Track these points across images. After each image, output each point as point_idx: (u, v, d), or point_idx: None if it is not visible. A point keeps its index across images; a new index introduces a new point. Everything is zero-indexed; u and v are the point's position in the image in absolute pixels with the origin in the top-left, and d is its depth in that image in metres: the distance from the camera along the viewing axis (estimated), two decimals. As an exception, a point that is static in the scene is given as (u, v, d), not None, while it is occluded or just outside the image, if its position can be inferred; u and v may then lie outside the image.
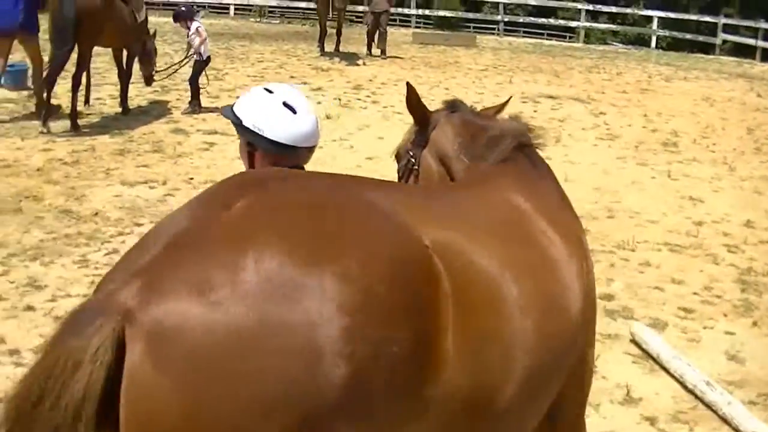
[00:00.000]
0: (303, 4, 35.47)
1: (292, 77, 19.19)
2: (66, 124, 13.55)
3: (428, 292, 2.67)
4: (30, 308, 7.27)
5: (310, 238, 2.52)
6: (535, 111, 17.41)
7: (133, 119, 14.48)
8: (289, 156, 3.97)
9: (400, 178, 4.60)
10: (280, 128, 3.91)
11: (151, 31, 15.84)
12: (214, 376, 2.27)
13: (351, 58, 22.41)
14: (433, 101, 14.26)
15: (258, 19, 34.99)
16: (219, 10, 36.59)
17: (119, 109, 14.89)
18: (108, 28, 13.82)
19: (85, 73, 14.13)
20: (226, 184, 2.82)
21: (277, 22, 35.17)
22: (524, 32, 42.96)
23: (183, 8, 16.29)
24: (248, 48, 23.94)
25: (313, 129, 4.03)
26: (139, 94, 16.14)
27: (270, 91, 4.00)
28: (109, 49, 15.54)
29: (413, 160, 4.48)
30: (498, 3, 38.59)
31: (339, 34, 23.58)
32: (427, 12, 41.93)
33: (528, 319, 3.08)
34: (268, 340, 2.30)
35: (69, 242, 8.83)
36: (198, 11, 16.09)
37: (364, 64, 22.05)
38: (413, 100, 4.55)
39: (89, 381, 2.29)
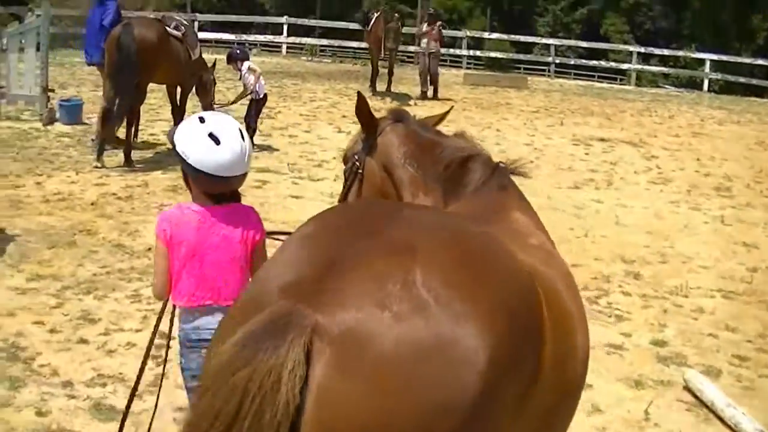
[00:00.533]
0: (355, 44, 35.72)
1: (344, 116, 19.32)
2: (120, 159, 13.70)
3: (541, 314, 2.98)
4: (83, 341, 7.34)
5: (459, 264, 2.78)
6: (586, 154, 17.39)
7: (187, 156, 14.51)
8: (215, 182, 4.35)
9: (345, 180, 4.98)
10: (202, 157, 4.26)
11: (210, 63, 16.03)
12: (399, 382, 2.47)
13: (402, 98, 22.52)
14: (484, 143, 14.32)
15: (310, 58, 35.28)
16: (271, 49, 36.96)
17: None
18: (163, 65, 13.99)
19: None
20: (351, 214, 3.17)
21: (329, 61, 35.45)
22: (575, 74, 42.99)
23: (237, 50, 16.44)
24: (300, 86, 24.16)
25: (236, 159, 4.32)
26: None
27: (202, 121, 4.36)
28: (163, 86, 15.74)
29: (358, 164, 4.85)
30: (549, 45, 38.69)
31: (391, 73, 23.68)
32: (478, 53, 42.02)
33: (579, 334, 3.45)
34: (441, 352, 2.53)
35: (122, 277, 8.90)
36: (250, 49, 16.22)
37: (416, 104, 22.14)
38: (363, 109, 4.82)
39: (289, 396, 2.43)
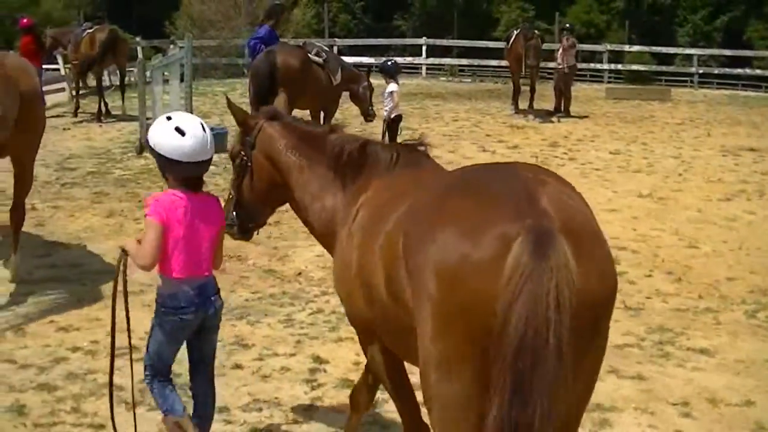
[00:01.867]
0: (494, 62, 35.55)
1: (488, 135, 19.22)
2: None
3: None
4: (238, 366, 7.40)
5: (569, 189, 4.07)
6: (736, 164, 16.91)
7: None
8: (185, 168, 5.20)
9: (237, 173, 5.85)
10: (172, 147, 5.14)
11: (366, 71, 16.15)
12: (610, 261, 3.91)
13: (545, 115, 22.28)
14: (631, 157, 13.91)
15: (450, 78, 35.26)
16: (410, 70, 37.04)
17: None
18: (306, 91, 14.11)
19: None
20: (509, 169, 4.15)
21: (469, 80, 35.34)
22: (718, 84, 41.95)
23: (389, 63, 16.41)
24: (442, 107, 24.13)
25: (200, 147, 5.18)
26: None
27: (169, 119, 5.26)
28: (306, 111, 15.88)
29: (246, 159, 5.75)
30: (691, 55, 37.88)
31: (533, 91, 23.42)
32: (619, 66, 41.37)
33: None
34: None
35: (274, 302, 8.97)
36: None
37: (559, 120, 21.87)
38: (236, 112, 5.92)
39: (569, 279, 3.49)
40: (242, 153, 5.75)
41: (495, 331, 3.51)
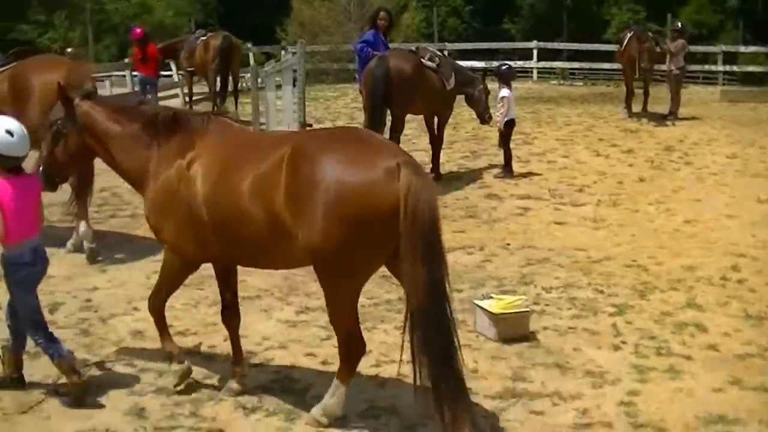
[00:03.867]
0: (606, 65, 35.02)
1: (601, 139, 18.93)
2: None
3: None
4: (356, 373, 7.32)
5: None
6: None
7: (445, 184, 14.68)
8: (13, 161, 6.89)
9: (51, 140, 7.34)
10: (5, 146, 6.83)
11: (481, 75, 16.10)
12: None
13: (659, 119, 21.82)
14: (748, 161, 13.49)
15: (561, 82, 34.90)
16: (521, 74, 36.74)
17: (432, 175, 15.04)
18: (419, 96, 14.06)
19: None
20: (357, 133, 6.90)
21: (581, 84, 34.90)
22: (840, 85, 40.68)
23: (504, 67, 16.28)
24: (554, 111, 23.86)
25: (23, 145, 6.95)
26: (449, 160, 16.35)
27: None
28: (419, 116, 15.86)
29: (60, 128, 7.28)
30: (810, 56, 36.85)
31: (646, 94, 22.94)
32: (734, 68, 40.37)
33: None
34: None
35: (390, 308, 8.93)
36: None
37: (673, 124, 21.41)
38: (60, 92, 7.31)
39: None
40: (58, 123, 7.32)
41: (402, 224, 5.73)
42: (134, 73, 24.93)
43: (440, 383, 5.82)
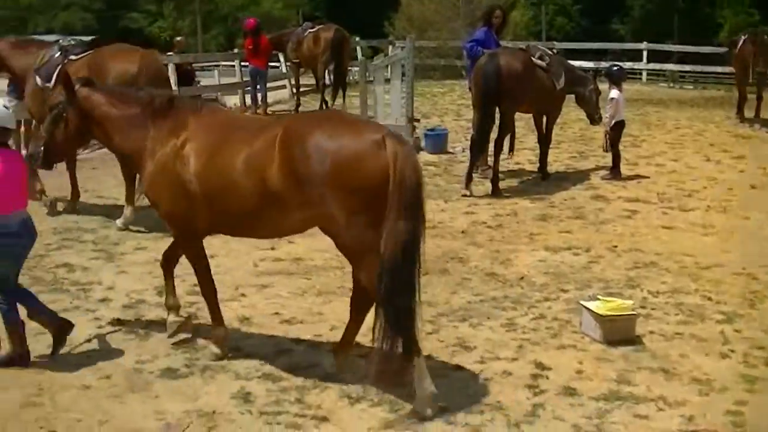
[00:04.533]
0: (719, 69, 34.38)
1: (711, 145, 18.60)
2: (487, 188, 13.85)
3: None
4: (459, 368, 7.43)
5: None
6: None
7: (552, 185, 14.62)
8: (4, 135, 7.63)
9: (53, 122, 7.90)
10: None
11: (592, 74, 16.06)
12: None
13: (771, 125, 21.32)
14: None
15: (671, 85, 34.40)
16: (630, 76, 36.29)
17: (539, 174, 15.02)
18: (529, 94, 14.03)
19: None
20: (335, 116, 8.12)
21: (691, 87, 34.35)
22: None
23: (615, 68, 16.13)
24: (663, 114, 23.54)
25: (12, 119, 7.87)
26: (557, 160, 16.27)
27: None
28: (526, 115, 15.82)
29: (62, 110, 7.86)
30: None
31: (759, 99, 22.37)
32: None
33: None
34: None
35: (496, 305, 8.93)
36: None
37: (788, 131, 20.89)
38: (65, 80, 7.99)
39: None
40: (61, 105, 7.88)
41: (392, 185, 6.34)
42: (243, 63, 25.19)
43: (395, 333, 6.44)
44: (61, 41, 14.42)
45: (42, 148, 8.01)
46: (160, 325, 8.39)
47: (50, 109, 8.00)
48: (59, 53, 13.12)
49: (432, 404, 6.57)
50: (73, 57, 12.92)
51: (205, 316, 8.28)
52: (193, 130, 7.38)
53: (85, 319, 8.61)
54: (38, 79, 12.97)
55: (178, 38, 27.16)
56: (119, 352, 7.86)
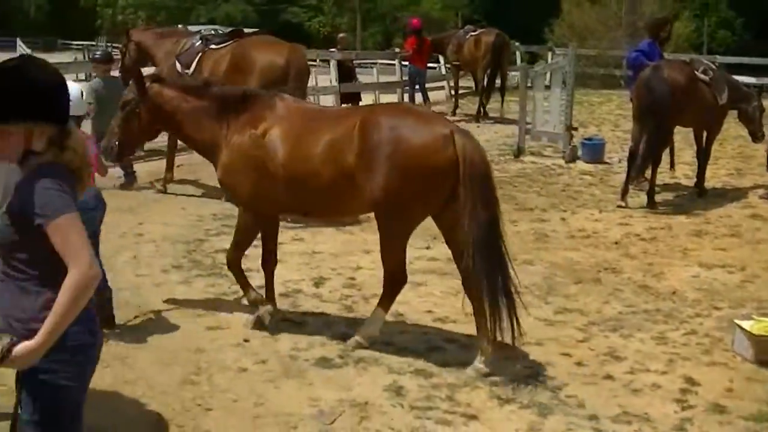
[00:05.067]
0: None
1: None
2: (642, 200, 13.80)
3: None
4: (609, 377, 7.47)
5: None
6: None
7: (709, 201, 14.43)
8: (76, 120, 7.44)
9: (126, 118, 8.32)
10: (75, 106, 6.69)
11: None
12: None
13: None
14: None
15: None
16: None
17: (695, 190, 14.89)
18: (691, 108, 13.92)
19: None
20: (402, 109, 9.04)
21: None
22: None
23: None
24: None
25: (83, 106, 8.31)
26: (714, 176, 16.01)
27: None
28: (685, 129, 15.66)
29: (134, 107, 8.26)
30: None
31: None
32: None
33: None
34: None
35: (647, 318, 8.94)
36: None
37: None
38: (137, 78, 8.41)
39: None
40: (133, 101, 8.28)
41: (463, 176, 7.06)
42: (404, 62, 25.50)
43: (498, 300, 7.21)
44: (202, 31, 14.94)
45: (116, 143, 8.46)
46: (315, 315, 8.75)
47: (122, 107, 8.41)
48: (200, 42, 13.65)
49: (367, 337, 7.89)
50: (213, 46, 13.48)
51: (360, 310, 8.56)
52: (272, 121, 7.93)
53: (243, 305, 8.91)
54: (178, 65, 13.52)
55: (341, 35, 27.58)
56: (275, 339, 8.13)
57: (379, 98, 24.54)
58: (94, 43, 53.00)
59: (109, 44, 44.99)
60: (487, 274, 7.14)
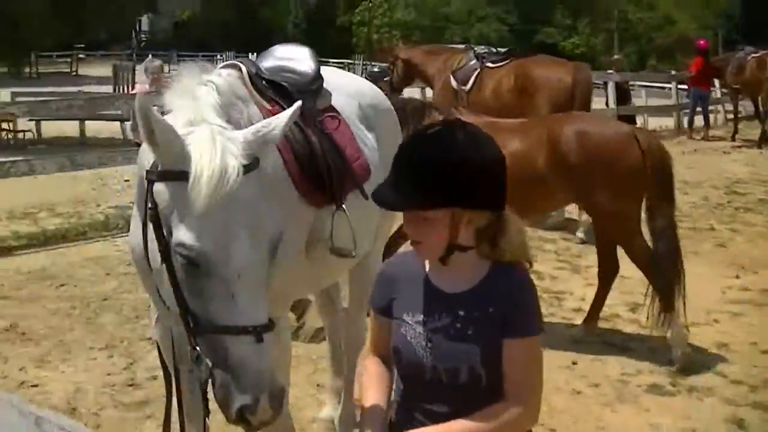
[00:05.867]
0: None
1: None
2: None
3: None
4: None
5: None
6: None
7: None
8: None
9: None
10: None
11: None
12: None
13: None
14: None
15: None
16: None
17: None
18: None
19: None
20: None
21: None
22: None
23: None
24: None
25: None
26: None
27: None
28: None
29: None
30: None
31: None
32: None
33: None
34: None
35: None
36: None
37: None
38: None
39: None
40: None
41: (652, 172, 7.68)
42: (680, 85, 25.00)
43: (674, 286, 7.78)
44: (475, 49, 15.17)
45: None
46: (636, 340, 8.58)
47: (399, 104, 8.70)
48: (475, 59, 13.88)
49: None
50: (490, 64, 13.66)
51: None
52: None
53: (562, 326, 8.92)
54: (454, 81, 13.79)
55: (616, 56, 27.36)
56: (601, 363, 8.04)
57: (648, 122, 24.18)
58: (351, 61, 54.51)
59: (366, 63, 46.11)
60: (662, 260, 7.82)
